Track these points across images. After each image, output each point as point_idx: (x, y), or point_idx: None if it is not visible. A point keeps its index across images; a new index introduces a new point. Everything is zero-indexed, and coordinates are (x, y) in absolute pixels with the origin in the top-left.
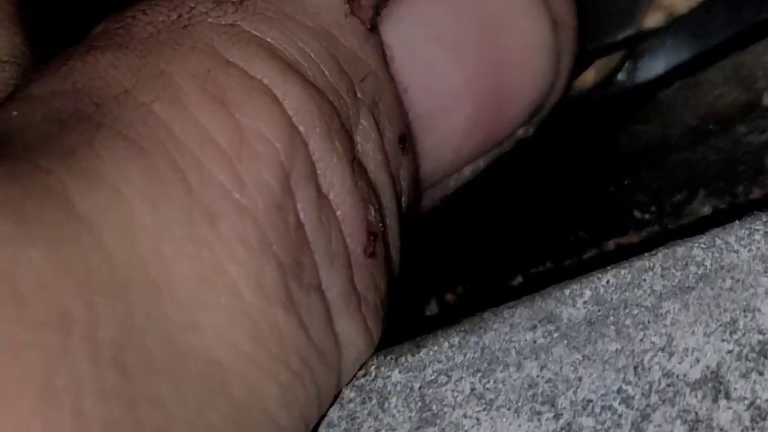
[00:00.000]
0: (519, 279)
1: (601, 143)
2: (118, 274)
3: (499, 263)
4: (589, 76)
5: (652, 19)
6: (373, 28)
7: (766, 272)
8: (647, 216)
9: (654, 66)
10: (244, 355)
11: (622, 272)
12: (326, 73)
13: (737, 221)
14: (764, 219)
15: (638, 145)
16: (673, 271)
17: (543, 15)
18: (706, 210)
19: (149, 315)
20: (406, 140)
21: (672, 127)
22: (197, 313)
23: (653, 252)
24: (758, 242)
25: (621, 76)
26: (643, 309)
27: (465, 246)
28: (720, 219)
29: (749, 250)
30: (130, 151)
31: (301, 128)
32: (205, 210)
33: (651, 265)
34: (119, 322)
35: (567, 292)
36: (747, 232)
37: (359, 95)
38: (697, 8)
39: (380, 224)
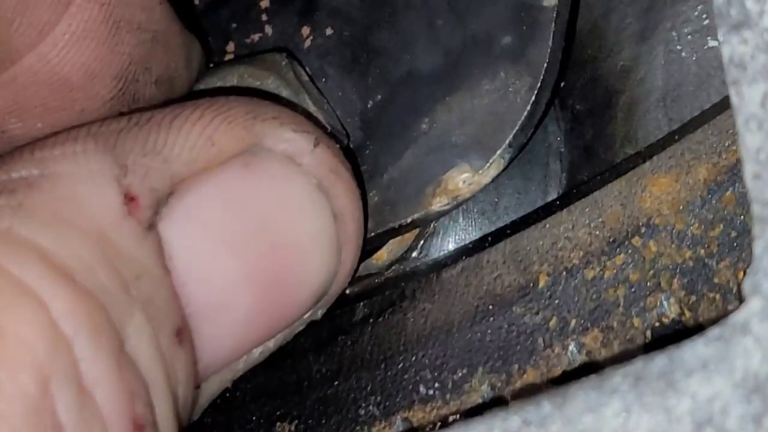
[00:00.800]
0: None
1: (392, 319)
2: None
3: None
4: (383, 255)
5: (438, 203)
6: (152, 227)
7: None
8: (431, 391)
9: (444, 244)
10: None
11: None
12: (98, 273)
13: (477, 417)
14: (502, 416)
15: (424, 323)
16: None
17: (322, 208)
18: (485, 387)
19: None
20: (183, 333)
21: (455, 307)
22: None
23: None
24: None
25: (414, 254)
26: None
27: (258, 415)
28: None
29: None
30: None
31: (67, 329)
32: None
33: None
34: None
35: None
36: (486, 428)
37: (133, 292)
38: (488, 188)
39: (149, 415)
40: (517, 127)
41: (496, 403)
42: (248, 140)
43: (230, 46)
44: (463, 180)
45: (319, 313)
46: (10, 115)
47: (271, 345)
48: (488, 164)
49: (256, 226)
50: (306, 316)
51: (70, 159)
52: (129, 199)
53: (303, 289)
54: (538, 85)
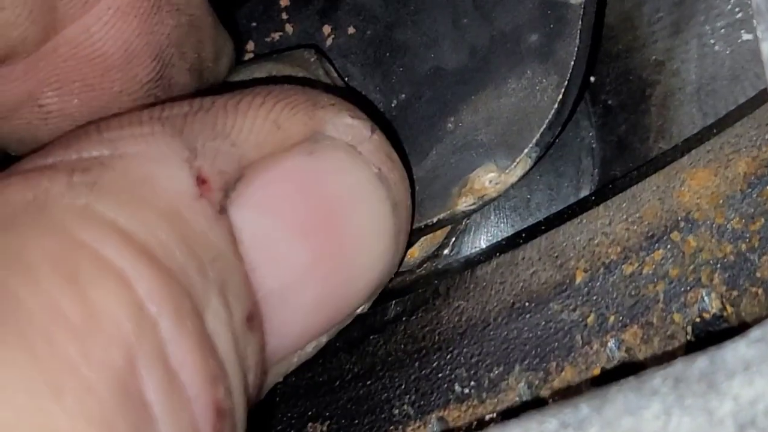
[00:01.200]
0: None
1: (425, 317)
2: None
3: None
4: (415, 252)
5: (464, 203)
6: (223, 210)
7: None
8: (467, 390)
9: (476, 241)
10: None
11: None
12: (176, 254)
13: (514, 420)
14: (539, 419)
15: (459, 320)
16: None
17: (385, 197)
18: (522, 385)
19: None
20: (254, 318)
21: (490, 304)
22: None
23: None
24: None
25: (446, 251)
26: None
27: (289, 416)
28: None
29: None
30: None
31: (152, 309)
32: (51, 382)
33: None
34: None
35: None
36: (523, 431)
37: (209, 275)
38: (520, 185)
39: (229, 402)
40: (544, 126)
41: (535, 403)
42: (312, 126)
43: (250, 45)
44: (489, 179)
45: (367, 308)
46: (48, 87)
47: (324, 340)
48: (515, 164)
49: (322, 213)
50: (359, 309)
51: (140, 140)
52: (201, 181)
53: (365, 278)
54: (566, 83)
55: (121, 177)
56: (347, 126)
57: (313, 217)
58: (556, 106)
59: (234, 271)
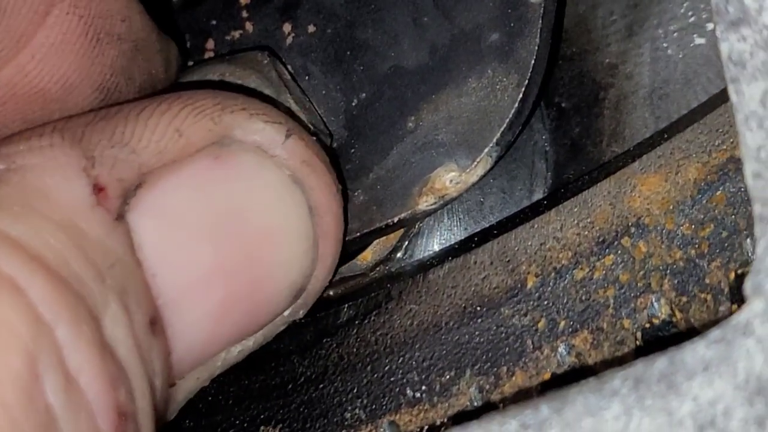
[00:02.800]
0: None
1: (378, 321)
2: None
3: None
4: (368, 256)
5: (425, 202)
6: (120, 217)
7: None
8: (418, 394)
9: (429, 244)
10: None
11: None
12: (71, 263)
13: (474, 421)
14: (499, 420)
15: (411, 324)
16: None
17: (296, 200)
18: (473, 390)
19: None
20: (157, 323)
21: (442, 308)
22: None
23: None
24: None
25: (399, 254)
26: None
27: (242, 419)
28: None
29: None
30: None
31: (48, 316)
32: None
33: None
34: None
35: None
36: None
37: (107, 282)
38: (473, 188)
39: (131, 404)
40: (504, 126)
41: (486, 408)
42: (217, 131)
43: (210, 44)
44: (450, 179)
45: (301, 313)
46: None
47: (251, 344)
48: (475, 163)
49: (227, 218)
50: (286, 314)
51: (38, 153)
52: (97, 189)
53: (276, 283)
54: (526, 82)
55: (16, 190)
56: (258, 130)
57: (216, 221)
58: (516, 105)
59: (133, 277)
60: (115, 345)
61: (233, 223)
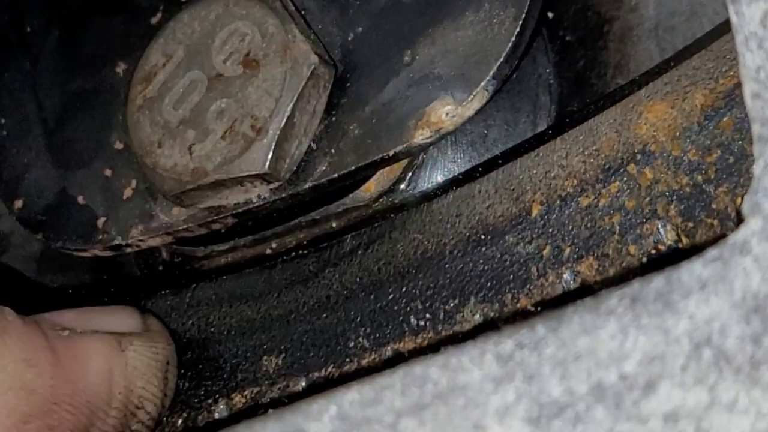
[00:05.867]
0: (302, 383)
1: (381, 250)
2: None
3: (279, 367)
4: (371, 187)
5: (421, 135)
6: None
7: (495, 391)
8: (422, 322)
9: (433, 176)
10: None
11: (365, 389)
12: None
13: (471, 341)
14: (495, 339)
15: (415, 253)
16: (412, 388)
17: None
18: (477, 317)
19: None
20: None
21: (446, 237)
22: None
23: (394, 369)
24: (489, 362)
25: (403, 186)
26: (383, 426)
27: (244, 349)
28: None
29: (481, 370)
30: None
31: None
32: None
33: (391, 382)
34: None
35: (315, 407)
36: (479, 352)
37: None
38: (477, 120)
39: None
40: (501, 59)
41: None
42: None
43: None
44: (446, 112)
45: None
46: None
47: None
48: (471, 96)
49: None
50: None
51: None
52: None
53: None
54: (523, 16)
55: None
56: None
57: None
58: (513, 39)
59: None
60: None
61: None
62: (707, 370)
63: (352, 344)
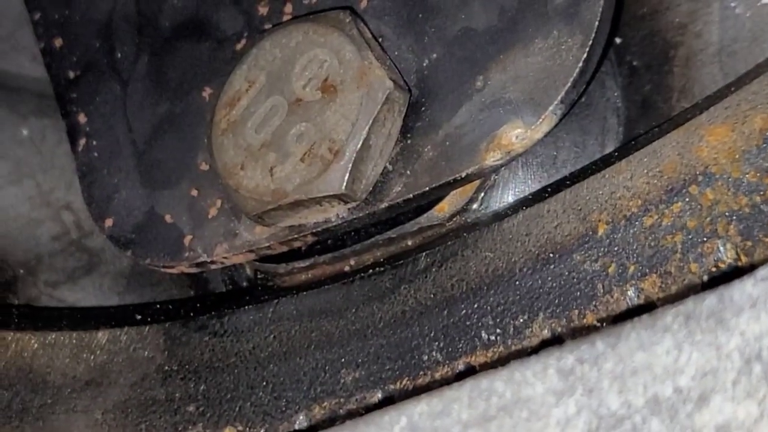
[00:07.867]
0: (378, 395)
1: (454, 268)
2: None
3: (357, 380)
4: (445, 207)
5: (492, 157)
6: None
7: (557, 404)
8: (493, 337)
9: (504, 196)
10: None
11: (434, 401)
12: None
13: (534, 356)
14: (557, 355)
15: (486, 270)
16: (478, 401)
17: None
18: (545, 332)
19: None
20: None
21: (516, 255)
22: None
23: (461, 383)
24: (551, 376)
25: (475, 206)
26: None
27: (323, 362)
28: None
29: (543, 384)
30: None
31: None
32: None
33: (459, 395)
34: None
35: (386, 418)
36: (542, 366)
37: None
38: (546, 142)
39: None
40: (569, 84)
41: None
42: None
43: (288, 8)
44: (516, 135)
45: None
46: None
47: None
48: (540, 120)
49: None
50: None
51: None
52: None
53: None
54: (590, 43)
55: None
56: None
57: None
58: (580, 65)
59: None
60: None
61: None
62: (757, 384)
63: (426, 358)
